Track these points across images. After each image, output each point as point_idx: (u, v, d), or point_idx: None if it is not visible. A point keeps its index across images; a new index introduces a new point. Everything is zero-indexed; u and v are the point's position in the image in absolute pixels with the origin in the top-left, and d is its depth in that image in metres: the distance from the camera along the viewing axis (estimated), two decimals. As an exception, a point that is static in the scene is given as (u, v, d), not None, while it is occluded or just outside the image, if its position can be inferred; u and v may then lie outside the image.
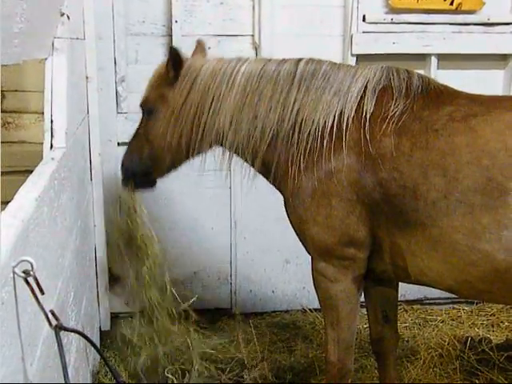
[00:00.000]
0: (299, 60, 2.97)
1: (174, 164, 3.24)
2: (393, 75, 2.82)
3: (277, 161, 2.93)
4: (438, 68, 4.40)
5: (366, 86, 2.80)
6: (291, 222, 2.99)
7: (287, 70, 2.93)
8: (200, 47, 3.37)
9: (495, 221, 2.40)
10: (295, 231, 2.99)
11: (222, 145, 3.06)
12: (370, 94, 2.77)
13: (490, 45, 4.41)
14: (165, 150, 3.11)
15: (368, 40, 4.28)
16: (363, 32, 4.29)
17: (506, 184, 2.38)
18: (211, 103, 2.97)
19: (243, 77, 2.96)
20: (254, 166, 3.07)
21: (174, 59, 3.03)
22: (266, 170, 3.02)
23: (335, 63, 2.97)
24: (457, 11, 4.35)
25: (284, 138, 2.88)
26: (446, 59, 4.43)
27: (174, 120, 3.05)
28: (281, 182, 2.97)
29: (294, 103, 2.86)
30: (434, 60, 4.40)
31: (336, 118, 2.77)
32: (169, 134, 3.06)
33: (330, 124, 2.76)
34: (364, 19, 4.27)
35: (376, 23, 4.30)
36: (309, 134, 2.80)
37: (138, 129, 3.28)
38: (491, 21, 4.39)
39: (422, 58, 4.42)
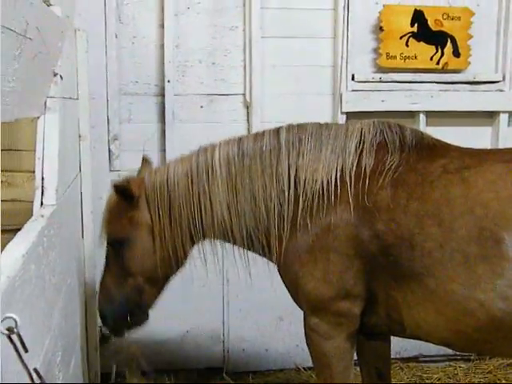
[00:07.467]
0: (278, 129, 2.95)
1: (169, 278, 3.15)
2: (385, 130, 2.85)
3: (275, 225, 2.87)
4: (426, 125, 4.47)
5: (363, 141, 2.82)
6: (284, 279, 2.96)
7: (269, 143, 2.90)
8: (146, 163, 3.26)
9: (490, 270, 2.42)
10: (288, 288, 2.96)
11: (224, 236, 3.00)
12: (369, 149, 2.79)
13: (476, 102, 4.52)
14: (157, 269, 3.01)
15: (357, 98, 4.36)
16: (352, 90, 4.38)
17: (499, 233, 2.41)
18: (199, 202, 2.91)
19: (222, 162, 2.90)
20: (257, 245, 2.99)
21: (124, 191, 2.98)
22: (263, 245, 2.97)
23: (319, 123, 2.96)
24: (443, 70, 4.46)
25: (286, 204, 2.83)
26: (434, 116, 4.51)
27: (159, 236, 2.96)
28: (273, 245, 2.91)
29: (289, 170, 2.83)
30: (422, 117, 4.48)
31: (338, 174, 2.77)
32: (159, 250, 2.98)
33: (333, 181, 2.76)
34: (353, 78, 4.38)
35: (365, 82, 4.41)
36: (312, 192, 2.77)
37: (107, 269, 3.16)
38: (477, 79, 4.51)
39: (411, 115, 4.50)
